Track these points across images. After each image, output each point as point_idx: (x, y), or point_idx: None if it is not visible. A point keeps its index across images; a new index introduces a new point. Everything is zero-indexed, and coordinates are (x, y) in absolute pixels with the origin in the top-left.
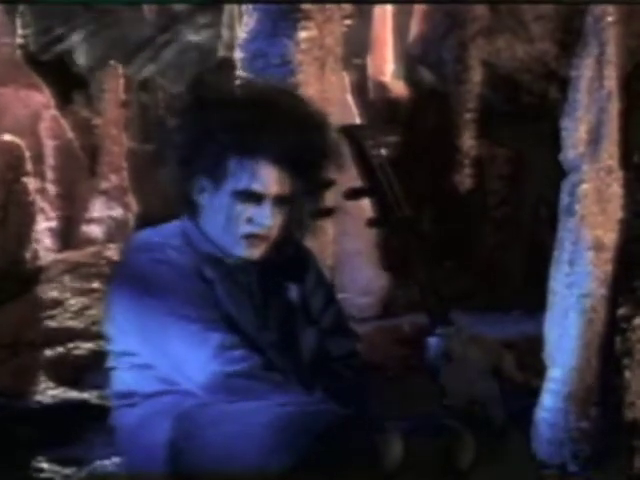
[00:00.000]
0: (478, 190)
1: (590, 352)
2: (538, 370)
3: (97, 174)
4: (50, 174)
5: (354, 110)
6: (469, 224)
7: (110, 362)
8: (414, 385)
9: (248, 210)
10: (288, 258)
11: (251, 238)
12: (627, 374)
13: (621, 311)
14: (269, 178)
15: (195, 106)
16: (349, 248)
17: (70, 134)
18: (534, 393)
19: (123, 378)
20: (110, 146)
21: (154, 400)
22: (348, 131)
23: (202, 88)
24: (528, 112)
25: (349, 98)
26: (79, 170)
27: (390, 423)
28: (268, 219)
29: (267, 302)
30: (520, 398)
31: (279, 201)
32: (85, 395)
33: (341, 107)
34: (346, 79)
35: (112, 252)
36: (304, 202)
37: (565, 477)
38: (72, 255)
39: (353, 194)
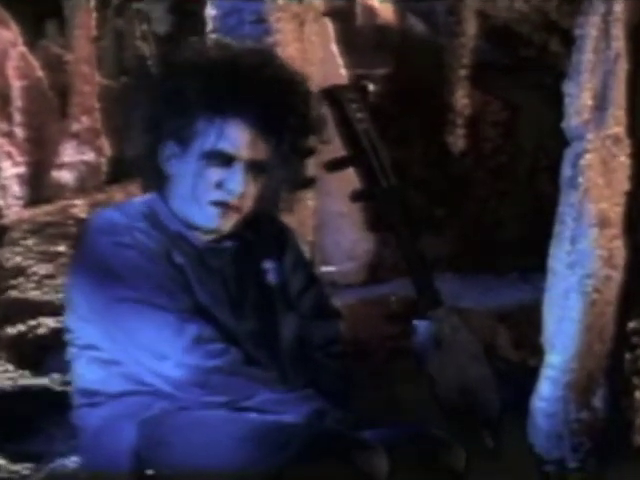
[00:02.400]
0: (472, 137)
1: (592, 336)
2: (536, 347)
3: (68, 116)
4: (18, 117)
5: (339, 62)
6: (461, 173)
7: (71, 355)
8: (402, 372)
9: (217, 173)
10: (264, 236)
11: (221, 207)
12: (638, 394)
13: (632, 324)
14: (240, 139)
15: (163, 66)
16: (332, 209)
17: (39, 73)
18: (532, 374)
19: (85, 373)
20: (81, 85)
21: (119, 401)
22: (330, 93)
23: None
24: (527, 65)
25: (334, 49)
26: (49, 112)
27: (374, 433)
28: (239, 184)
29: (242, 287)
30: (516, 382)
31: (253, 167)
32: (46, 381)
33: (324, 64)
34: (329, 28)
35: (79, 209)
36: (281, 172)
37: (564, 473)
38: (35, 213)
39: (335, 165)
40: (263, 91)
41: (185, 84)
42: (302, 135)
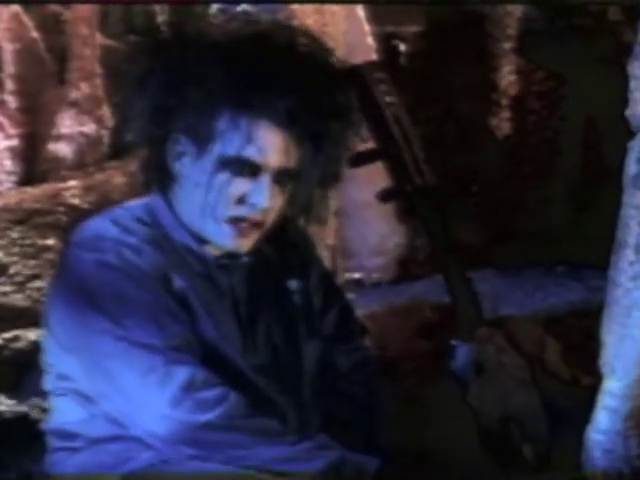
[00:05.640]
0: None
1: None
2: (589, 361)
3: (66, 82)
4: (10, 84)
5: (366, 32)
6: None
7: (47, 384)
8: (437, 397)
9: (239, 185)
10: (285, 250)
11: (239, 223)
12: None
13: None
14: (270, 144)
15: (176, 42)
16: (357, 198)
17: (34, 34)
18: (586, 395)
19: (64, 411)
20: (81, 48)
21: (100, 447)
22: (354, 73)
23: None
24: (581, 35)
25: (361, 16)
26: (44, 78)
27: None
28: (265, 199)
29: (257, 312)
30: (567, 406)
31: (281, 176)
32: (24, 407)
33: (348, 37)
34: None
35: (72, 194)
36: (313, 181)
37: None
38: (22, 197)
39: (361, 159)
40: (301, 81)
41: (206, 70)
42: (340, 135)
